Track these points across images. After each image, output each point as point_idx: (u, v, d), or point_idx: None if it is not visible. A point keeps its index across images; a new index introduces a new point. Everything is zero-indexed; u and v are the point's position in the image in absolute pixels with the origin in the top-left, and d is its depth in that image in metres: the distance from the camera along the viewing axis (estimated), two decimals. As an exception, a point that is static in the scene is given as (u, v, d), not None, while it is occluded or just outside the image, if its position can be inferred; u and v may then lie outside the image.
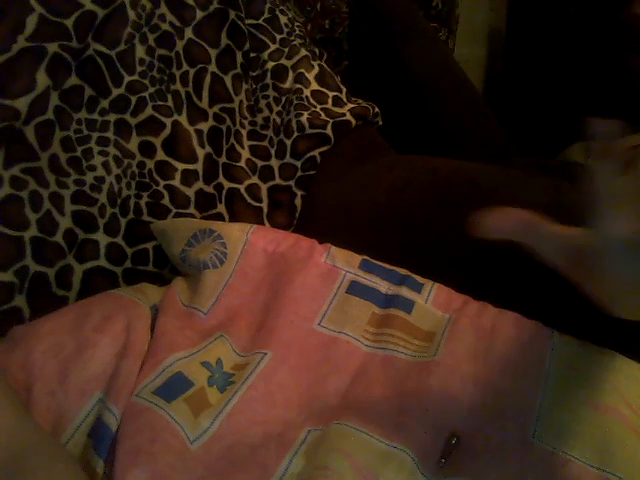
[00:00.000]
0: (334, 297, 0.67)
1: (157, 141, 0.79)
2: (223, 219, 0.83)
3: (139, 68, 0.78)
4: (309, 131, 0.87)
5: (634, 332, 0.62)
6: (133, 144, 0.78)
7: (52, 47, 0.70)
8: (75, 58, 0.73)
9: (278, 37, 0.92)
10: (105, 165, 0.75)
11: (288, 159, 0.87)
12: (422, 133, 1.10)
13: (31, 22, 0.68)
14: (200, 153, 0.81)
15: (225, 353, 0.61)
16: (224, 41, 0.85)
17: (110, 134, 0.76)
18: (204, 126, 0.82)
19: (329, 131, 0.88)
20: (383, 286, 0.68)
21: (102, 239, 0.75)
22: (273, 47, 0.92)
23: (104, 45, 0.75)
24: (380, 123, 1.01)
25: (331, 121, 0.89)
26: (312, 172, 0.87)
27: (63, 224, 0.72)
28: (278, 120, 0.90)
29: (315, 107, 0.90)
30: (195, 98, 0.82)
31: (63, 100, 0.72)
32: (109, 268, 0.75)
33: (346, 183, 0.86)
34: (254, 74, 0.91)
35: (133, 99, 0.77)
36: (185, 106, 0.81)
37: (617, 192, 0.39)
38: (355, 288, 0.67)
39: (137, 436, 0.50)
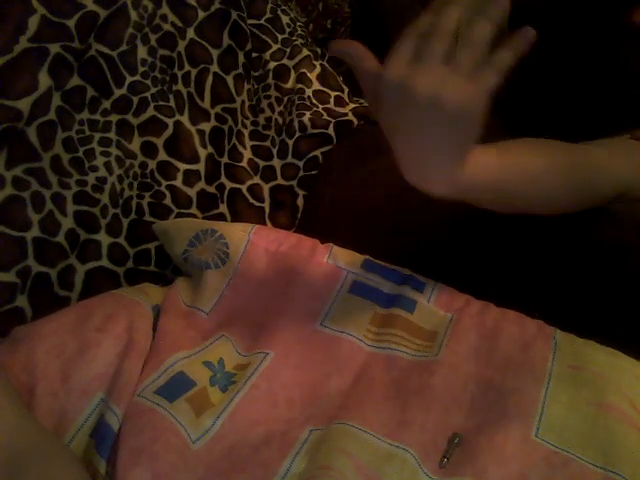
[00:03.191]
0: (336, 297, 0.67)
1: (159, 141, 0.79)
2: (225, 219, 0.83)
3: (141, 68, 0.78)
4: (311, 131, 0.87)
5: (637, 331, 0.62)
6: (135, 144, 0.78)
7: (54, 48, 0.70)
8: (77, 59, 0.73)
9: (280, 37, 0.92)
10: (107, 165, 0.75)
11: (290, 159, 0.87)
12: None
13: (33, 23, 0.68)
14: (202, 153, 0.81)
15: (227, 353, 0.61)
16: (226, 41, 0.85)
17: (112, 134, 0.76)
18: (206, 126, 0.82)
19: (331, 131, 0.88)
20: (385, 286, 0.68)
21: (104, 239, 0.75)
22: (275, 47, 0.92)
23: (106, 46, 0.75)
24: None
25: (333, 121, 0.89)
26: (314, 172, 0.87)
27: (65, 224, 0.72)
28: (280, 120, 0.90)
29: (317, 107, 0.90)
30: (197, 98, 0.82)
31: (65, 101, 0.72)
32: (111, 268, 0.75)
33: (348, 183, 0.86)
34: (256, 74, 0.91)
35: (135, 99, 0.77)
36: (187, 106, 0.81)
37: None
38: (357, 288, 0.67)
39: (139, 436, 0.50)
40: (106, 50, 0.75)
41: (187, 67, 0.82)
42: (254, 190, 0.85)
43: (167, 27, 0.80)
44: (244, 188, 0.84)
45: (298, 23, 0.97)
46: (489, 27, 0.47)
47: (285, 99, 0.90)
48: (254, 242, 0.71)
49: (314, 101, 0.90)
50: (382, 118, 0.53)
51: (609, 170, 0.67)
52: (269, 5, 0.93)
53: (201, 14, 0.82)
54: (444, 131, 0.50)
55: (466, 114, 0.49)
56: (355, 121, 0.91)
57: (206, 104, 0.83)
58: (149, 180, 0.78)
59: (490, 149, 0.57)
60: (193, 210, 0.80)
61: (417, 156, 0.53)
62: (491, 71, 0.48)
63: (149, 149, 0.78)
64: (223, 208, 0.83)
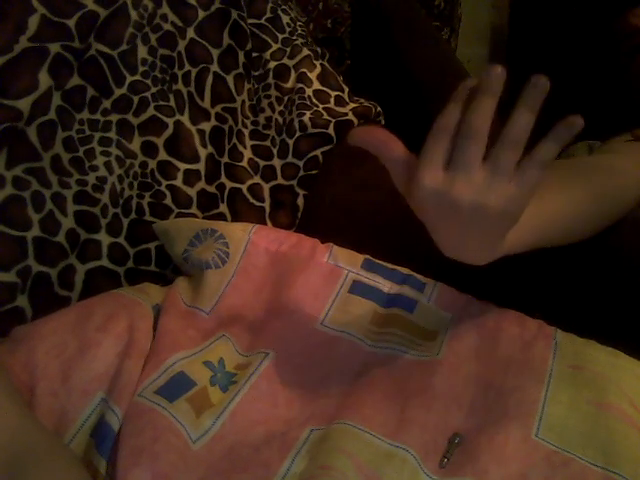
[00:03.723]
0: (336, 297, 0.67)
1: (159, 141, 0.79)
2: (225, 219, 0.83)
3: (141, 68, 0.78)
4: (311, 131, 0.87)
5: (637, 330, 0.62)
6: (135, 144, 0.78)
7: (54, 47, 0.70)
8: (77, 58, 0.73)
9: (280, 37, 0.92)
10: (107, 165, 0.75)
11: (290, 159, 0.87)
12: (424, 133, 1.10)
13: (33, 22, 0.68)
14: (202, 153, 0.81)
15: (227, 353, 0.61)
16: (226, 41, 0.85)
17: (112, 134, 0.76)
18: (206, 126, 0.82)
19: (331, 131, 0.88)
20: (385, 285, 0.68)
21: (104, 239, 0.75)
22: (275, 47, 0.92)
23: (106, 45, 0.75)
24: (382, 123, 1.01)
25: (333, 121, 0.89)
26: (314, 172, 0.87)
27: (65, 224, 0.72)
28: (280, 120, 0.89)
29: (317, 107, 0.90)
30: (197, 98, 0.82)
31: (65, 100, 0.72)
32: (111, 268, 0.75)
33: (348, 183, 0.86)
34: (256, 74, 0.91)
35: (135, 99, 0.77)
36: (187, 106, 0.81)
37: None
38: (357, 288, 0.67)
39: (139, 436, 0.50)
40: (106, 50, 0.75)
41: (187, 67, 0.82)
42: (254, 190, 0.85)
43: (167, 27, 0.80)
44: (244, 188, 0.84)
45: (298, 23, 0.97)
46: (532, 119, 0.43)
47: (285, 99, 0.90)
48: (254, 242, 0.71)
49: (314, 101, 0.90)
50: (416, 209, 0.49)
51: (632, 179, 0.66)
52: (269, 5, 0.93)
53: (201, 14, 0.82)
54: (487, 229, 0.47)
55: (510, 214, 0.46)
56: (355, 121, 0.91)
57: (206, 104, 0.83)
58: (149, 180, 0.78)
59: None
60: (193, 210, 0.80)
61: (457, 244, 0.50)
62: (535, 168, 0.44)
63: (149, 149, 0.78)
64: (223, 208, 0.83)
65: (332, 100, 0.92)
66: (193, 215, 0.80)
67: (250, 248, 0.70)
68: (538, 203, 0.53)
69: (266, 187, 0.86)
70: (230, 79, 0.85)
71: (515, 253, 0.54)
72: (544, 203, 0.55)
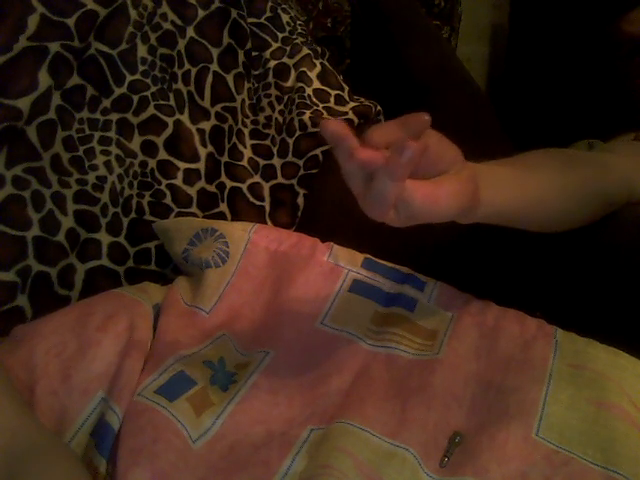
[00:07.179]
0: (336, 296, 0.67)
1: (159, 140, 0.79)
2: (225, 218, 0.83)
3: (141, 67, 0.78)
4: (311, 130, 0.87)
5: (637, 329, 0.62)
6: (135, 143, 0.78)
7: (54, 46, 0.70)
8: (77, 57, 0.73)
9: (280, 36, 0.92)
10: (107, 164, 0.75)
11: (290, 158, 0.87)
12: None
13: (33, 22, 0.68)
14: (202, 152, 0.81)
15: (227, 352, 0.61)
16: (226, 40, 0.85)
17: (112, 133, 0.76)
18: (206, 125, 0.82)
19: None
20: (386, 285, 0.68)
21: (104, 238, 0.75)
22: (275, 46, 0.92)
23: (106, 44, 0.75)
24: (382, 121, 1.00)
25: None
26: (314, 171, 0.87)
27: (65, 224, 0.72)
28: (280, 119, 0.89)
29: (317, 106, 0.90)
30: (197, 97, 0.82)
31: (65, 100, 0.72)
32: (111, 267, 0.75)
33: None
34: (256, 73, 0.91)
35: (135, 98, 0.77)
36: (187, 105, 0.81)
37: None
38: (358, 287, 0.67)
39: (139, 435, 0.50)
40: (106, 49, 0.75)
41: (187, 66, 0.82)
42: (254, 189, 0.85)
43: (167, 26, 0.80)
44: (244, 187, 0.84)
45: (298, 22, 0.97)
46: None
47: (285, 98, 0.90)
48: (254, 241, 0.71)
49: (314, 100, 0.90)
50: None
51: (622, 178, 0.66)
52: (269, 4, 0.92)
53: (201, 13, 0.82)
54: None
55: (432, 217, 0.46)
56: (355, 120, 0.91)
57: (206, 103, 0.83)
58: (149, 179, 0.78)
59: (497, 182, 0.54)
60: (193, 209, 0.80)
61: None
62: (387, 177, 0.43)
63: (149, 148, 0.78)
64: (223, 207, 0.83)
65: (332, 99, 0.92)
66: (193, 214, 0.80)
67: (250, 247, 0.70)
68: (519, 175, 0.56)
69: (266, 186, 0.86)
70: (230, 78, 0.85)
71: (494, 221, 0.55)
72: (525, 177, 0.57)
